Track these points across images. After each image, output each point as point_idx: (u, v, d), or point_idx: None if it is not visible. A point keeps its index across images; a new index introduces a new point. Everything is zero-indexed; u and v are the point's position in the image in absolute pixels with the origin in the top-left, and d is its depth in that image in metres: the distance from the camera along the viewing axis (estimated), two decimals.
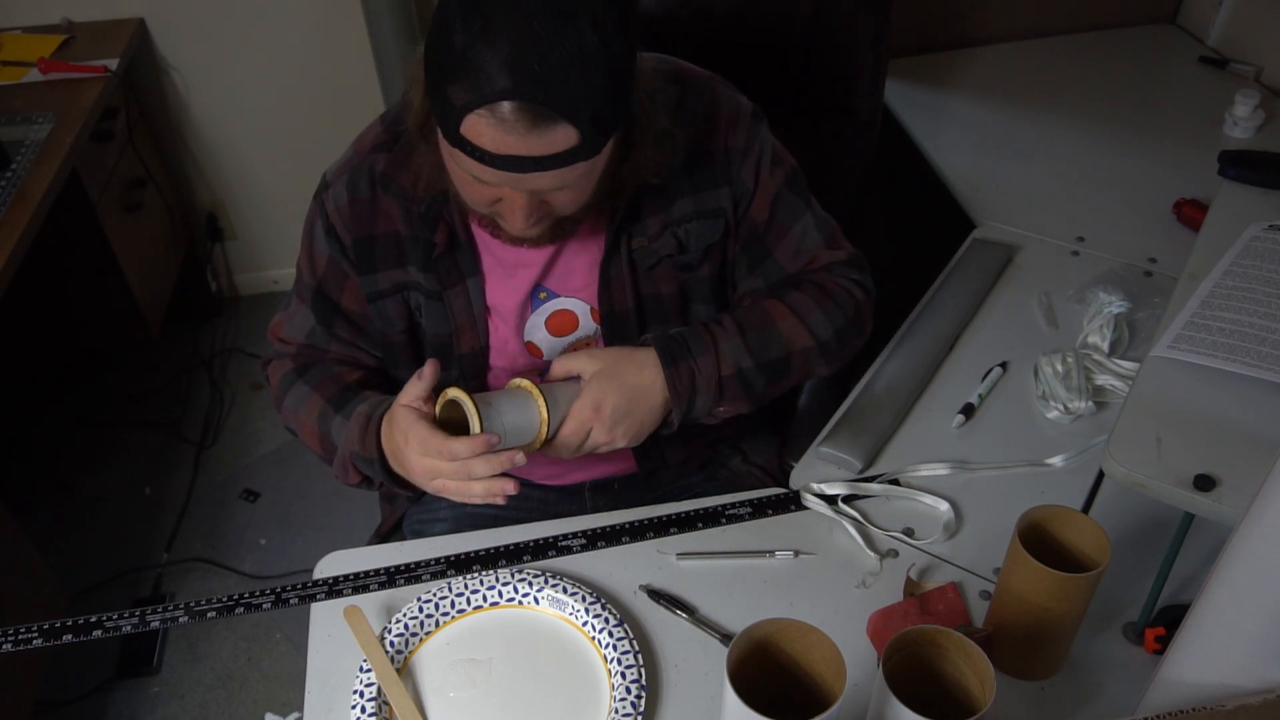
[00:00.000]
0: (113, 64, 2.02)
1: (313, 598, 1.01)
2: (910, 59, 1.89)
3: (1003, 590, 0.88)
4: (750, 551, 1.04)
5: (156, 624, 1.00)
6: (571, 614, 0.97)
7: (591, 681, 0.93)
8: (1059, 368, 1.20)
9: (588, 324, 1.10)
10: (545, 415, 0.96)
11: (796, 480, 1.12)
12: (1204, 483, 0.83)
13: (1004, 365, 1.23)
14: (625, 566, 1.03)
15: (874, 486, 1.09)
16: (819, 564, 1.03)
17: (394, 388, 1.11)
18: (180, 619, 1.00)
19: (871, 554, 1.03)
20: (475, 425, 0.91)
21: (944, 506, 1.06)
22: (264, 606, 1.01)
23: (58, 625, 1.00)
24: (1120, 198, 1.53)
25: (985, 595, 0.98)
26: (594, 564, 1.03)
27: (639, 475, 1.22)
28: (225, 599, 1.02)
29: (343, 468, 1.05)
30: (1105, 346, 1.23)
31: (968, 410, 1.17)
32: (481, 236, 1.04)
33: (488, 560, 1.04)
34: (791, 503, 1.09)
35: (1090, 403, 1.16)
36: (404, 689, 0.91)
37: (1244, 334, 0.95)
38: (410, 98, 0.93)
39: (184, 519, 2.14)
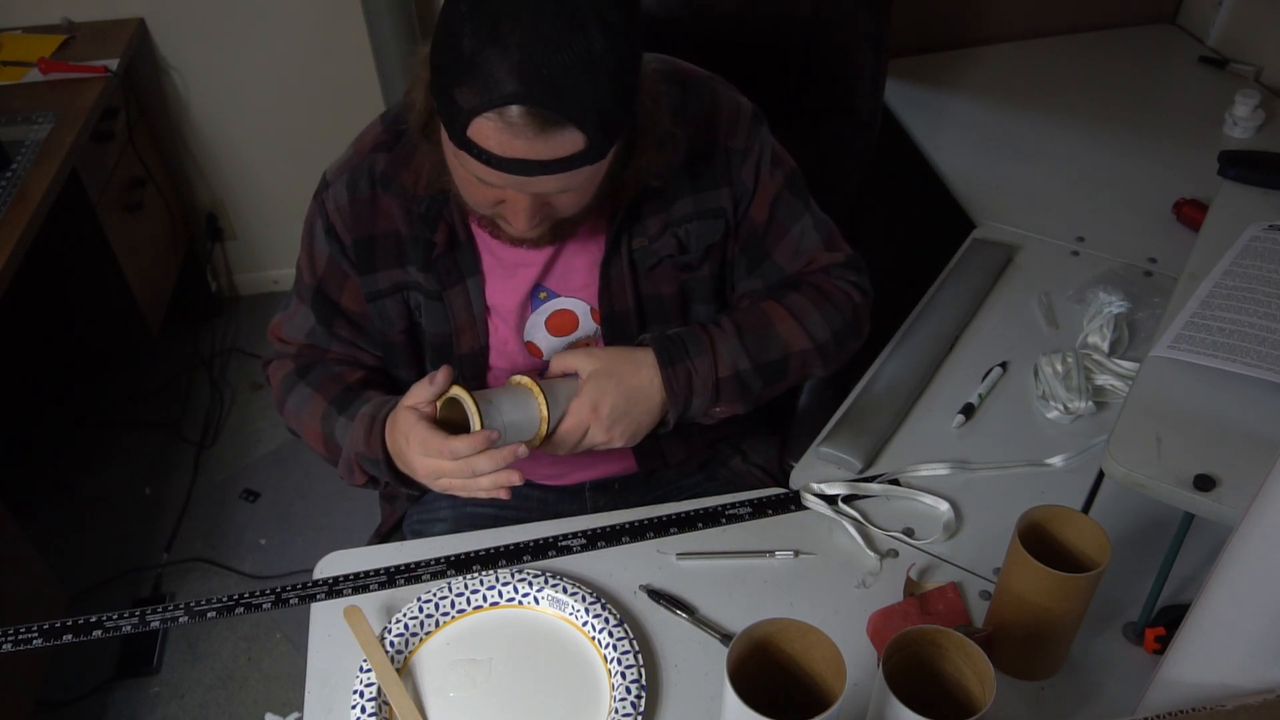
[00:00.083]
0: (113, 64, 2.02)
1: (313, 598, 1.01)
2: (910, 59, 1.89)
3: (1003, 590, 0.88)
4: (750, 551, 1.04)
5: (156, 624, 1.00)
6: (571, 614, 0.97)
7: (591, 681, 0.93)
8: (1059, 368, 1.20)
9: (588, 324, 1.10)
10: (545, 412, 0.97)
11: (796, 480, 1.12)
12: (1204, 483, 0.83)
13: (1004, 365, 1.23)
14: (625, 566, 1.03)
15: (874, 486, 1.10)
16: (819, 564, 1.03)
17: (395, 387, 1.11)
18: (180, 619, 1.00)
19: (871, 554, 1.03)
20: (475, 422, 0.91)
21: (944, 506, 1.06)
22: (264, 606, 1.01)
23: (58, 625, 1.00)
24: (1120, 198, 1.53)
25: (985, 595, 0.98)
26: (594, 564, 1.03)
27: (639, 475, 1.22)
28: (225, 599, 1.02)
29: (348, 468, 1.05)
30: (1105, 346, 1.23)
31: (968, 410, 1.17)
32: (481, 236, 1.04)
33: (488, 560, 1.04)
34: (791, 503, 1.09)
35: (1090, 403, 1.16)
36: (404, 689, 0.91)
37: (1244, 334, 0.95)
38: (413, 97, 0.93)
39: (184, 519, 2.14)
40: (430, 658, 0.95)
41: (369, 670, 0.92)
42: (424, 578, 1.03)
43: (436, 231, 1.02)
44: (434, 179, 0.98)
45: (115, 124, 2.08)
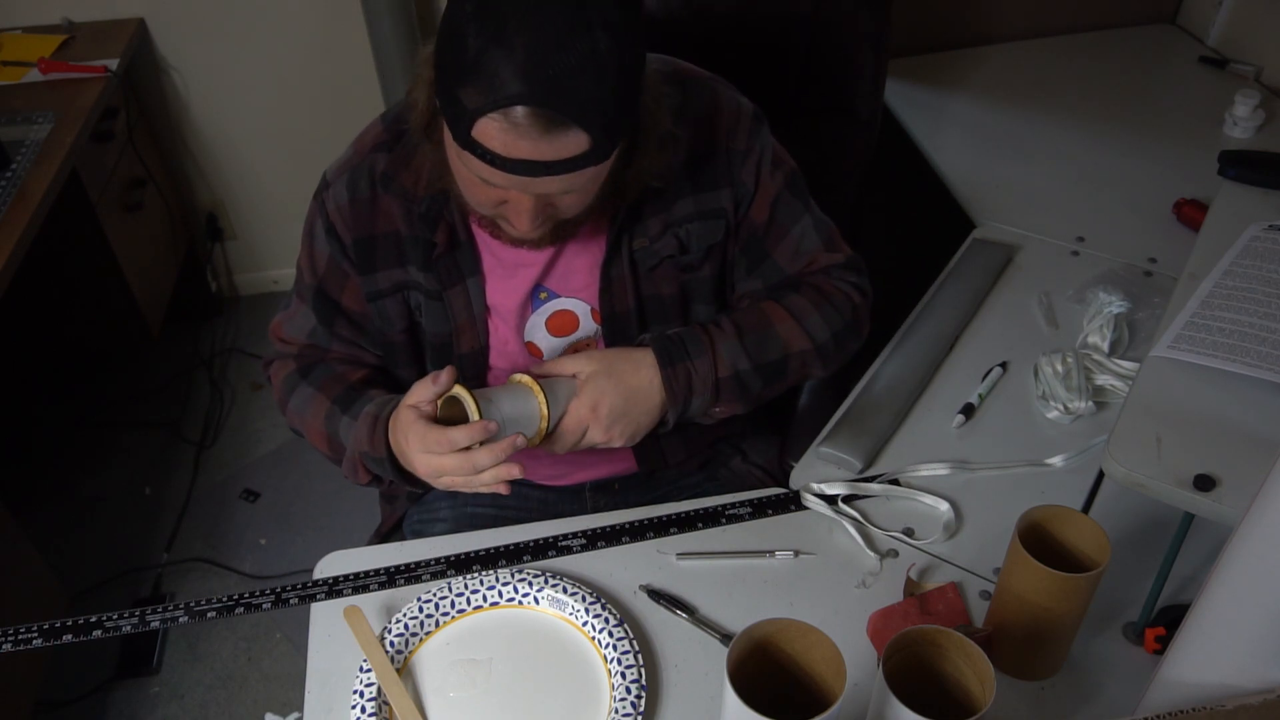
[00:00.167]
0: (113, 64, 2.02)
1: (313, 598, 1.01)
2: (910, 59, 1.89)
3: (1003, 590, 0.88)
4: (750, 551, 1.04)
5: (156, 624, 1.00)
6: (571, 614, 0.97)
7: (591, 681, 0.93)
8: (1059, 368, 1.20)
9: (588, 324, 1.10)
10: (545, 410, 0.97)
11: (796, 480, 1.12)
12: (1204, 483, 0.83)
13: (1004, 365, 1.23)
14: (625, 566, 1.03)
15: (874, 486, 1.10)
16: (819, 564, 1.03)
17: (397, 386, 1.12)
18: (180, 619, 1.00)
19: (871, 554, 1.03)
20: (474, 417, 0.91)
21: (944, 506, 1.06)
22: (264, 606, 1.01)
23: (58, 625, 1.00)
24: (1120, 198, 1.53)
25: (985, 595, 0.98)
26: (594, 564, 1.03)
27: (639, 475, 1.22)
28: (225, 599, 1.02)
29: (352, 467, 1.05)
30: (1105, 346, 1.23)
31: (968, 410, 1.17)
32: (482, 236, 1.04)
33: (488, 560, 1.04)
34: (791, 503, 1.09)
35: (1090, 403, 1.16)
36: (404, 689, 0.91)
37: (1244, 334, 0.95)
38: (415, 97, 0.93)
39: (184, 519, 2.14)
40: (430, 658, 0.95)
41: (369, 670, 0.92)
42: (424, 578, 1.03)
43: (437, 231, 1.02)
44: (435, 179, 0.98)
45: (115, 124, 2.08)
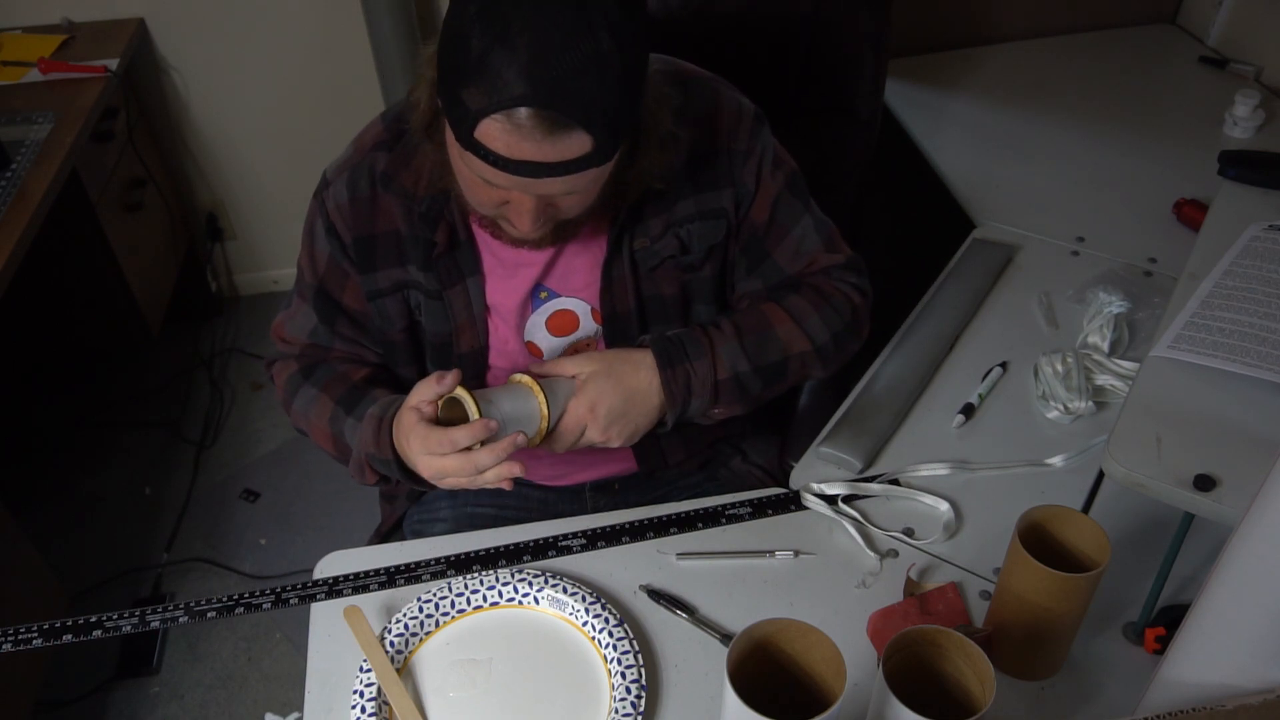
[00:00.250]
0: (113, 64, 2.02)
1: (313, 598, 1.01)
2: (910, 59, 1.89)
3: (1003, 590, 0.88)
4: (750, 551, 1.04)
5: (156, 624, 1.00)
6: (571, 614, 0.97)
7: (591, 681, 0.93)
8: (1059, 368, 1.20)
9: (588, 324, 1.10)
10: (545, 410, 0.97)
11: (796, 480, 1.12)
12: (1204, 483, 0.83)
13: (1004, 365, 1.23)
14: (625, 566, 1.03)
15: (874, 486, 1.09)
16: (819, 564, 1.03)
17: (400, 383, 1.12)
18: (180, 619, 1.00)
19: (871, 554, 1.03)
20: (474, 417, 0.91)
21: (944, 506, 1.06)
22: (264, 606, 1.01)
23: (58, 625, 1.00)
24: (1120, 198, 1.53)
25: (985, 595, 0.98)
26: (594, 564, 1.03)
27: (639, 475, 1.22)
28: (225, 599, 1.02)
29: (359, 468, 1.05)
30: (1105, 346, 1.23)
31: (968, 410, 1.17)
32: (482, 236, 1.04)
33: (488, 560, 1.04)
34: (791, 503, 1.09)
35: (1090, 403, 1.16)
36: (404, 689, 0.91)
37: (1244, 334, 0.95)
38: (416, 97, 0.93)
39: (184, 519, 2.14)
40: (430, 658, 0.95)
41: (369, 670, 0.92)
42: (424, 578, 1.03)
43: (437, 231, 1.02)
44: (436, 179, 0.98)
45: (115, 124, 2.08)
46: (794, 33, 1.40)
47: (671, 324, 1.10)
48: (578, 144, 0.82)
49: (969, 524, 1.06)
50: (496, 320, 1.08)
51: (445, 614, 0.98)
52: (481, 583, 1.00)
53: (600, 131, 0.82)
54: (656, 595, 1.00)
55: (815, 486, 1.10)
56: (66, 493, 2.20)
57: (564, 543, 1.05)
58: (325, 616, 1.00)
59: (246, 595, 1.03)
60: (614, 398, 1.00)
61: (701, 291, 1.10)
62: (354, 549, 1.08)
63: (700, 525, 1.07)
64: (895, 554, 1.03)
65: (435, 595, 0.98)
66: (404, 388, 1.02)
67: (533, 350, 1.10)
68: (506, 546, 1.05)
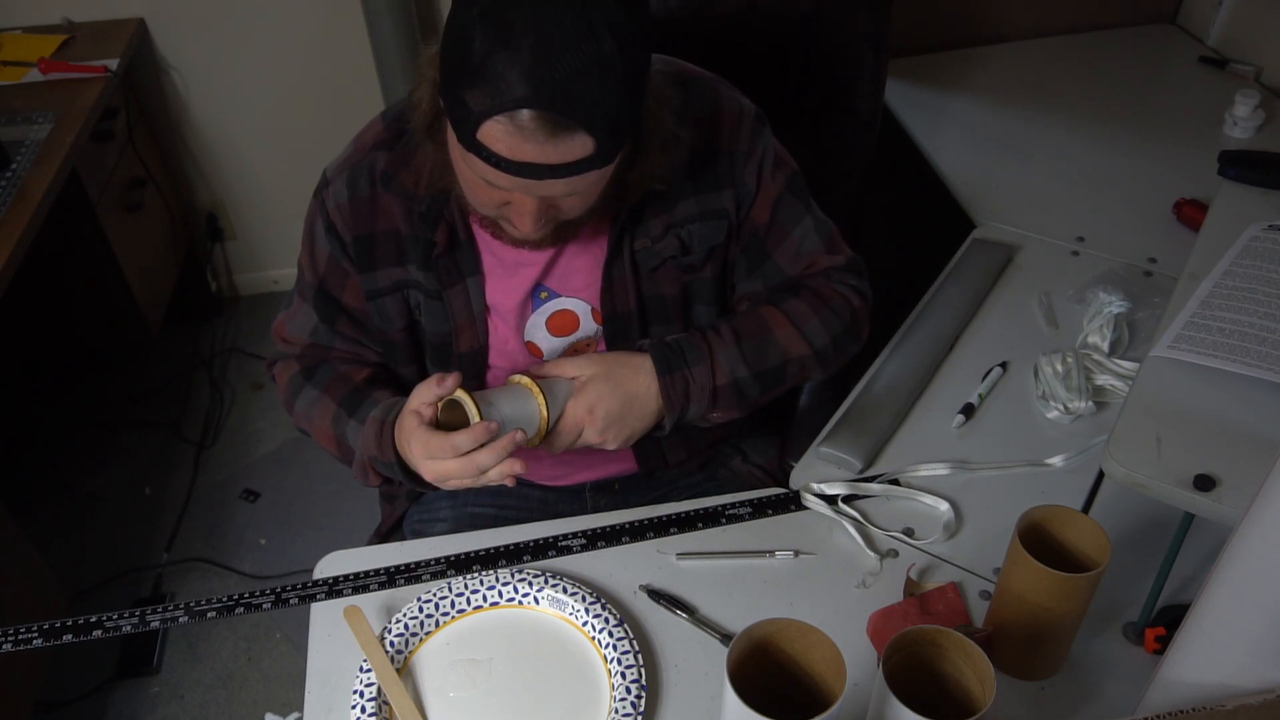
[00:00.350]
0: (113, 64, 2.02)
1: (313, 598, 1.01)
2: (910, 59, 1.89)
3: (1003, 590, 0.88)
4: (750, 551, 1.04)
5: (156, 624, 1.00)
6: (571, 614, 0.97)
7: (591, 681, 0.93)
8: (1059, 368, 1.20)
9: (589, 324, 1.10)
10: (545, 412, 0.97)
11: (796, 480, 1.12)
12: (1204, 483, 0.83)
13: (1004, 365, 1.23)
14: (625, 566, 1.03)
15: (874, 486, 1.09)
16: (819, 564, 1.03)
17: (402, 383, 1.12)
18: (180, 619, 1.00)
19: (871, 554, 1.03)
20: (474, 419, 0.91)
21: (944, 506, 1.06)
22: (264, 606, 1.01)
23: (58, 625, 1.00)
24: (1120, 198, 1.53)
25: (985, 595, 0.98)
26: (594, 564, 1.03)
27: (639, 475, 1.22)
28: (225, 599, 1.02)
29: (362, 471, 1.05)
30: (1105, 346, 1.23)
31: (968, 410, 1.17)
32: (482, 236, 1.04)
33: (488, 560, 1.04)
34: (791, 503, 1.09)
35: (1090, 403, 1.16)
36: (404, 689, 0.91)
37: (1244, 334, 0.95)
38: (418, 97, 0.93)
39: (184, 519, 2.14)
40: (430, 658, 0.95)
41: (369, 670, 0.92)
42: (424, 578, 1.03)
43: (437, 230, 1.02)
44: (436, 178, 0.98)
45: (115, 124, 2.08)
46: (794, 33, 1.40)
47: (672, 324, 1.10)
48: (580, 146, 0.82)
49: (969, 524, 1.06)
50: (496, 320, 1.08)
51: (445, 614, 0.98)
52: (481, 583, 1.00)
53: (602, 133, 0.82)
54: (656, 595, 1.00)
55: (815, 486, 1.10)
56: (66, 493, 2.20)
57: (564, 543, 1.05)
58: (325, 616, 1.00)
59: (246, 595, 1.03)
60: (612, 401, 1.00)
61: (702, 292, 1.10)
62: (354, 549, 1.08)
63: (700, 525, 1.07)
64: (895, 554, 1.03)
65: (435, 595, 0.98)
66: (405, 387, 1.02)
67: (533, 350, 1.10)
68: (506, 546, 1.05)
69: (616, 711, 0.88)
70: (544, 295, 1.07)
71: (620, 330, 1.09)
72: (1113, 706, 0.89)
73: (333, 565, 1.05)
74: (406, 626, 0.96)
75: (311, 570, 1.05)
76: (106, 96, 1.98)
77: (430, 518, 1.23)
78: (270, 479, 2.22)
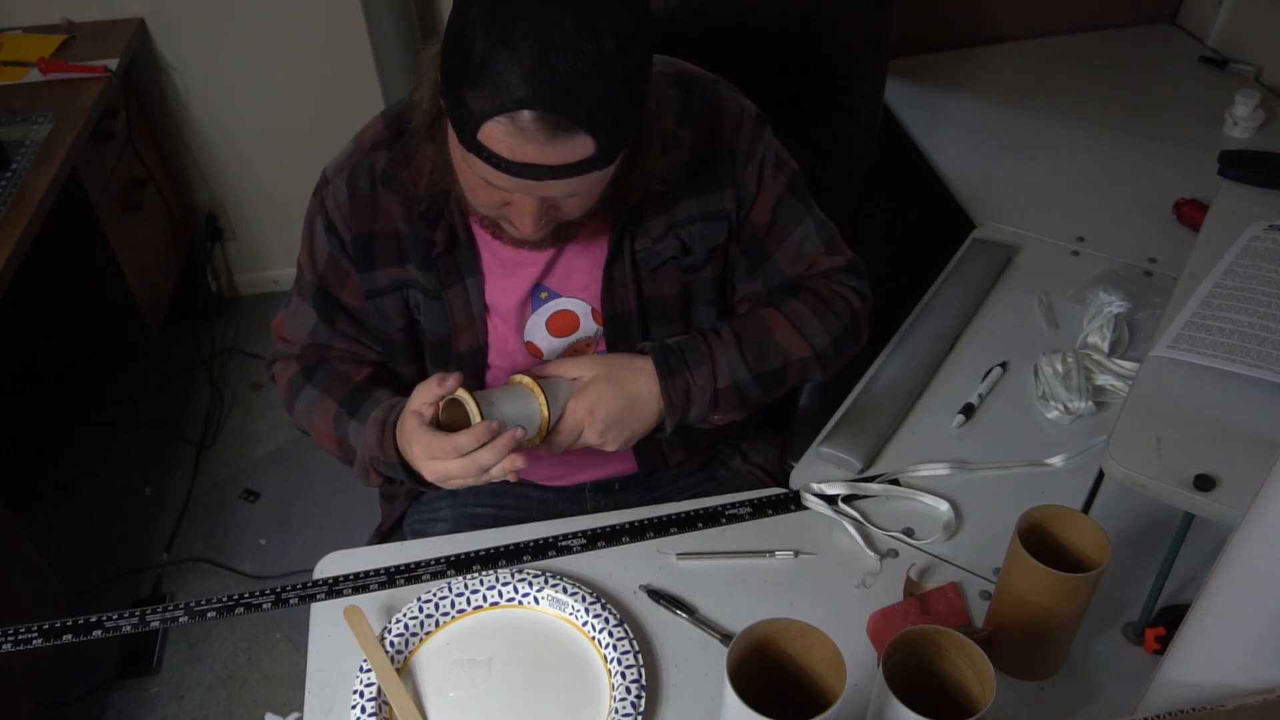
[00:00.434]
0: (113, 64, 2.02)
1: (313, 598, 1.01)
2: (910, 59, 1.89)
3: (1003, 590, 0.88)
4: (750, 551, 1.04)
5: (156, 624, 1.00)
6: (571, 614, 0.97)
7: (591, 681, 0.93)
8: (1059, 368, 1.20)
9: (589, 325, 1.10)
10: (546, 412, 0.97)
11: (796, 480, 1.12)
12: (1204, 483, 0.83)
13: (1004, 365, 1.23)
14: (625, 566, 1.03)
15: (874, 486, 1.09)
16: (819, 564, 1.03)
17: (402, 383, 1.12)
18: (180, 619, 1.00)
19: (871, 554, 1.03)
20: (475, 419, 0.91)
21: (944, 506, 1.06)
22: (264, 606, 1.01)
23: (58, 625, 1.00)
24: (1120, 198, 1.53)
25: (985, 595, 0.98)
26: (594, 564, 1.03)
27: (639, 475, 1.22)
28: (225, 599, 1.02)
29: (364, 471, 1.05)
30: (1105, 346, 1.23)
31: (968, 410, 1.17)
32: (482, 236, 1.04)
33: (488, 560, 1.04)
34: (791, 503, 1.09)
35: (1090, 403, 1.16)
36: (404, 689, 0.91)
37: (1244, 334, 0.95)
38: (419, 96, 0.93)
39: (184, 519, 2.14)
40: (430, 658, 0.95)
41: (369, 670, 0.92)
42: (424, 578, 1.03)
43: (437, 230, 1.02)
44: (436, 178, 0.98)
45: (115, 124, 2.08)
46: (794, 33, 1.40)
47: (672, 325, 1.10)
48: (580, 147, 0.82)
49: (969, 524, 1.06)
50: (496, 320, 1.08)
51: (445, 614, 0.98)
52: (481, 583, 1.00)
53: (603, 135, 0.82)
54: (656, 595, 1.00)
55: (815, 486, 1.10)
56: (66, 493, 2.20)
57: (564, 543, 1.05)
58: (325, 616, 1.00)
59: (246, 595, 1.02)
60: (613, 403, 1.00)
61: (702, 293, 1.10)
62: (354, 549, 1.08)
63: (700, 525, 1.07)
64: (895, 554, 1.03)
65: (435, 595, 0.98)
66: (405, 387, 1.02)
67: (532, 350, 1.10)
68: (506, 546, 1.05)
69: (616, 711, 0.88)
70: (544, 295, 1.07)
71: (620, 331, 1.09)
72: (1113, 706, 0.89)
73: (333, 565, 1.05)
74: (406, 626, 0.96)
75: (311, 570, 1.05)
76: (106, 96, 1.98)
77: (430, 518, 1.23)
78: (270, 479, 2.22)
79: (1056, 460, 1.11)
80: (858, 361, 1.19)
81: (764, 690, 0.74)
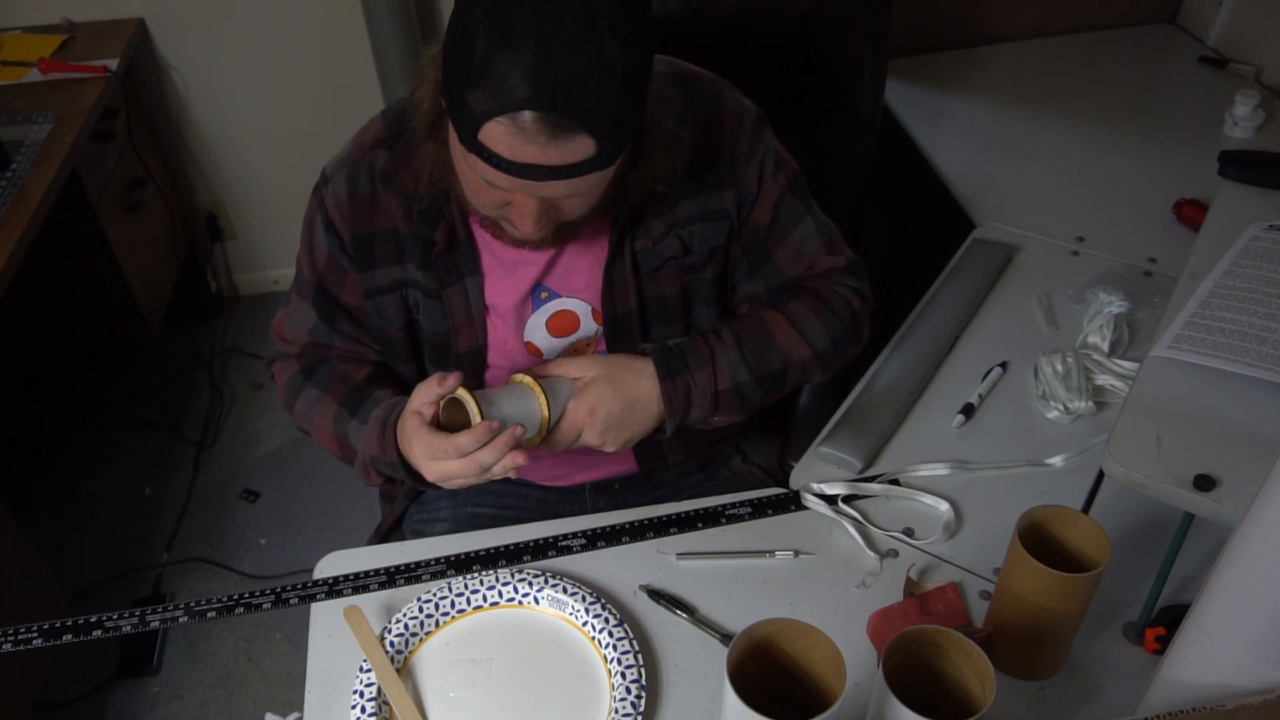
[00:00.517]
0: (113, 64, 2.02)
1: (313, 598, 1.01)
2: (910, 59, 1.89)
3: (1003, 590, 0.88)
4: (750, 551, 1.04)
5: (156, 624, 1.00)
6: (571, 614, 0.97)
7: (591, 681, 0.93)
8: (1059, 368, 1.20)
9: (589, 325, 1.10)
10: (546, 412, 0.97)
11: (796, 480, 1.12)
12: (1204, 483, 0.83)
13: (1004, 365, 1.23)
14: (625, 566, 1.03)
15: (874, 486, 1.09)
16: (819, 564, 1.03)
17: (402, 382, 1.12)
18: (180, 619, 1.00)
19: (871, 554, 1.03)
20: (476, 418, 0.91)
21: (944, 506, 1.06)
22: (264, 606, 1.01)
23: (58, 625, 1.00)
24: (1120, 198, 1.53)
25: (985, 595, 0.98)
26: (594, 564, 1.03)
27: (639, 475, 1.22)
28: (225, 599, 1.02)
29: (364, 471, 1.05)
30: (1105, 346, 1.23)
31: (968, 410, 1.17)
32: (482, 236, 1.04)
33: (488, 560, 1.04)
34: (791, 503, 1.09)
35: (1090, 403, 1.16)
36: (404, 689, 0.91)
37: (1244, 334, 0.95)
38: (419, 96, 0.93)
39: (184, 519, 2.14)
40: (430, 658, 0.95)
41: (369, 670, 0.92)
42: (424, 578, 1.03)
43: (436, 230, 1.02)
44: (436, 178, 0.98)
45: (115, 124, 2.08)
46: (794, 33, 1.40)
47: (672, 325, 1.10)
48: (581, 148, 0.82)
49: (969, 524, 1.06)
50: (495, 320, 1.08)
51: (445, 614, 0.98)
52: (481, 583, 1.00)
53: (604, 135, 0.82)
54: (656, 595, 1.00)
55: (815, 486, 1.10)
56: (66, 493, 2.20)
57: (564, 543, 1.05)
58: (325, 616, 1.00)
59: (246, 595, 1.02)
60: (613, 404, 1.00)
61: (703, 293, 1.10)
62: (354, 549, 1.07)
63: (700, 525, 1.07)
64: (895, 554, 1.03)
65: (435, 595, 0.98)
66: (405, 386, 1.02)
67: (532, 351, 1.10)
68: (506, 546, 1.05)
69: (616, 711, 0.88)
70: (544, 295, 1.07)
71: (621, 331, 1.09)
72: (1113, 706, 0.89)
73: (333, 565, 1.05)
74: (406, 626, 0.96)
75: (311, 570, 1.05)
76: (106, 96, 1.98)
77: (430, 518, 1.23)
78: (270, 479, 2.22)
79: (1056, 460, 1.11)
80: (858, 361, 1.19)
81: (764, 690, 0.74)
